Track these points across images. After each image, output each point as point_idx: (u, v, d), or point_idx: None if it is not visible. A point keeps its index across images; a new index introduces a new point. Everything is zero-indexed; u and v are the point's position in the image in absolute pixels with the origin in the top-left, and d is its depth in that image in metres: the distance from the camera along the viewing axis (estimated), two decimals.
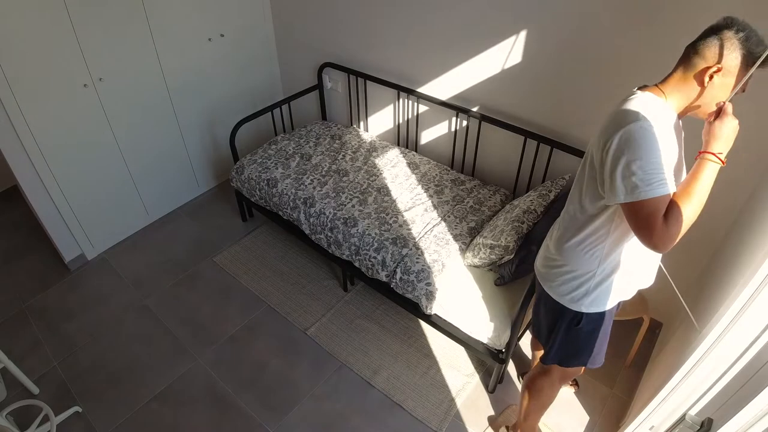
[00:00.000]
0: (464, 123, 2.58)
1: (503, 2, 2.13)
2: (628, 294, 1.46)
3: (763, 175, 1.71)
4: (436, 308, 2.14)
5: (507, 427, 2.03)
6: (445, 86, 2.58)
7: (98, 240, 2.91)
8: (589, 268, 1.38)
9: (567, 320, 1.49)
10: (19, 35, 2.18)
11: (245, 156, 2.86)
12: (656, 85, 1.24)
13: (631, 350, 2.21)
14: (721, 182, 1.84)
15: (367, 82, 2.91)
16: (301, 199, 2.54)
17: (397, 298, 2.29)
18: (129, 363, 2.36)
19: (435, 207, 2.45)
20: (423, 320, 2.37)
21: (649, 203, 1.12)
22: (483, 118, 2.47)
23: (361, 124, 3.15)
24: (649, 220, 1.12)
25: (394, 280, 2.20)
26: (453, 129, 2.67)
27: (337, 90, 3.17)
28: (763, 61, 1.10)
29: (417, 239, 2.26)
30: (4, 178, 3.20)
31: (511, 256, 2.02)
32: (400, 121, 2.89)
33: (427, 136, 2.86)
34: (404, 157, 2.82)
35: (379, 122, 3.07)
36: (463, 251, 2.23)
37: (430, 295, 2.10)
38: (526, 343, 2.36)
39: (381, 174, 2.68)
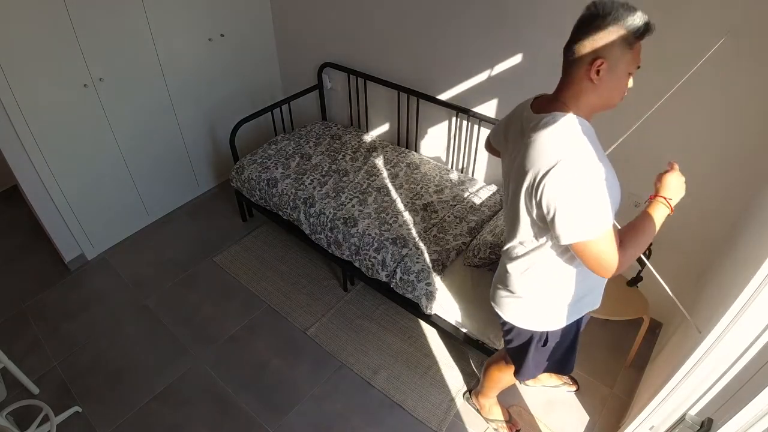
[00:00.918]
0: (464, 123, 2.58)
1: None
2: (591, 303, 1.46)
3: (763, 175, 1.71)
4: (436, 308, 2.14)
5: (470, 391, 2.14)
6: (445, 86, 2.58)
7: (98, 240, 2.91)
8: (541, 293, 1.38)
9: (533, 342, 1.50)
10: (19, 35, 2.18)
11: (245, 156, 2.86)
12: (556, 98, 1.18)
13: (631, 350, 2.21)
14: (721, 182, 1.85)
15: (367, 82, 2.91)
16: (301, 199, 2.54)
17: (397, 298, 2.29)
18: (129, 363, 2.36)
19: (435, 207, 2.45)
20: (423, 320, 2.37)
21: (593, 243, 1.12)
22: (483, 118, 2.47)
23: (361, 124, 3.15)
24: (594, 257, 1.13)
25: (394, 280, 2.20)
26: (453, 129, 2.67)
27: (337, 90, 3.17)
28: (645, 30, 1.07)
29: (417, 239, 2.25)
30: (4, 178, 3.20)
31: None
32: (400, 121, 2.89)
33: (427, 136, 2.86)
34: (404, 157, 2.82)
35: (379, 122, 3.07)
36: (463, 251, 2.23)
37: (430, 295, 2.10)
38: None
39: (381, 174, 2.68)
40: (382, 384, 2.23)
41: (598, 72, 1.10)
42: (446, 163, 2.83)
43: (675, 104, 1.63)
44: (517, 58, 2.22)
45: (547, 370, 1.66)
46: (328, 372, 2.30)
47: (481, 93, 2.46)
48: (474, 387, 2.15)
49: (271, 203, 2.69)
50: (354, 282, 2.69)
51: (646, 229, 1.19)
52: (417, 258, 2.17)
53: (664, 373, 1.64)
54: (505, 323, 1.53)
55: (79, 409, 2.15)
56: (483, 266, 2.16)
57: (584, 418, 2.10)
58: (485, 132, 2.53)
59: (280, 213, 2.68)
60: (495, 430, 2.05)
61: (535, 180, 1.12)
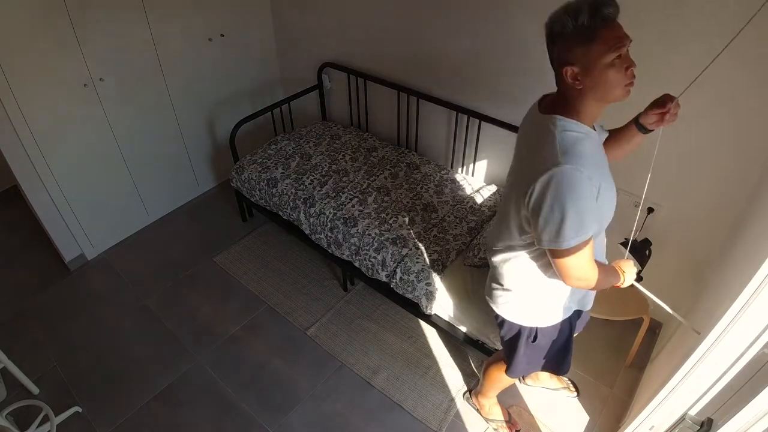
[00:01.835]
0: (464, 123, 2.58)
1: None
2: (581, 305, 1.48)
3: (763, 176, 1.71)
4: (436, 308, 2.14)
5: (469, 391, 2.14)
6: (445, 86, 2.58)
7: (98, 240, 2.91)
8: (530, 290, 1.40)
9: (523, 337, 1.53)
10: (19, 35, 2.18)
11: (245, 156, 2.86)
12: (559, 101, 1.17)
13: (631, 350, 2.21)
14: (721, 182, 1.85)
15: (367, 82, 2.91)
16: (301, 199, 2.54)
17: (397, 298, 2.29)
18: (129, 363, 2.36)
19: (435, 207, 2.45)
20: (423, 320, 2.37)
21: (566, 252, 1.15)
22: (483, 118, 2.47)
23: (361, 124, 3.15)
24: (564, 266, 1.19)
25: (394, 280, 2.20)
26: (453, 129, 2.67)
27: (337, 90, 3.17)
28: (592, 17, 1.01)
29: (417, 239, 2.25)
30: (4, 178, 3.19)
31: None
32: (400, 121, 2.89)
33: (427, 136, 2.86)
34: (404, 157, 2.82)
35: (379, 122, 3.07)
36: (463, 251, 2.23)
37: (430, 295, 2.10)
38: None
39: (381, 174, 2.68)
40: (382, 384, 2.23)
41: (576, 78, 1.09)
42: (446, 163, 2.83)
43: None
44: (517, 58, 2.21)
45: (543, 369, 1.67)
46: (328, 372, 2.30)
47: (482, 92, 2.45)
48: (474, 387, 2.15)
49: (271, 203, 2.69)
50: (354, 282, 2.69)
51: (601, 280, 1.27)
52: (417, 258, 2.17)
53: (664, 373, 1.64)
54: (497, 316, 1.57)
55: (79, 409, 2.15)
56: (483, 266, 2.15)
57: (584, 418, 2.10)
58: (485, 132, 2.53)
59: (280, 213, 2.68)
60: (495, 430, 2.05)
61: (529, 182, 1.13)
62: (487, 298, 1.57)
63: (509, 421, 2.04)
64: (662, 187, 1.92)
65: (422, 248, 2.21)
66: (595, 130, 1.20)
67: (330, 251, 2.48)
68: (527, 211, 1.18)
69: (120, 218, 2.97)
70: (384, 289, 2.35)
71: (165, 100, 2.87)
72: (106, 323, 2.55)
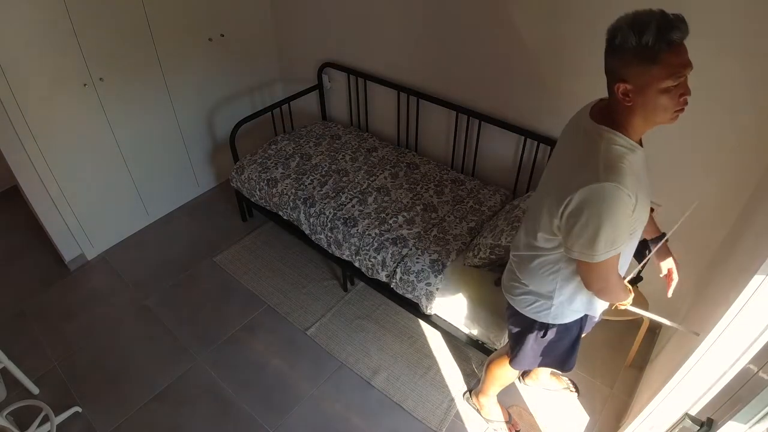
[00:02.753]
0: (464, 123, 2.58)
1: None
2: (592, 311, 1.49)
3: (763, 177, 1.71)
4: (436, 308, 2.14)
5: (469, 391, 2.14)
6: (446, 86, 2.58)
7: (98, 240, 2.91)
8: (548, 289, 1.41)
9: (534, 330, 1.53)
10: (19, 35, 2.18)
11: (245, 156, 2.86)
12: (608, 113, 1.15)
13: (631, 350, 2.21)
14: (721, 183, 1.85)
15: (367, 82, 2.91)
16: (301, 199, 2.54)
17: (397, 298, 2.29)
18: (129, 363, 2.36)
19: (435, 207, 2.45)
20: (423, 320, 2.37)
21: (593, 266, 1.18)
22: (483, 118, 2.47)
23: (361, 124, 3.15)
24: (589, 277, 1.24)
25: (394, 280, 2.20)
26: (453, 129, 2.67)
27: (337, 90, 3.17)
28: (659, 40, 0.96)
29: (417, 239, 2.25)
30: (4, 178, 3.19)
31: None
32: (400, 121, 2.89)
33: (427, 136, 2.86)
34: (404, 157, 2.82)
35: (379, 122, 3.07)
36: (463, 251, 2.23)
37: (430, 295, 2.10)
38: None
39: (381, 174, 2.68)
40: (382, 384, 2.23)
41: (627, 95, 1.06)
42: (446, 163, 2.83)
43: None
44: (516, 58, 2.21)
45: (548, 365, 1.67)
46: (328, 372, 2.30)
47: (482, 92, 2.45)
48: (474, 387, 2.15)
49: (271, 203, 2.69)
50: (354, 282, 2.69)
51: (621, 287, 1.35)
52: (417, 258, 2.17)
53: (664, 373, 1.64)
54: (509, 307, 1.57)
55: (79, 409, 2.15)
56: (483, 266, 2.16)
57: (584, 418, 2.10)
58: (486, 131, 2.53)
59: (280, 213, 2.68)
60: (495, 430, 2.05)
61: (567, 192, 1.13)
62: (504, 292, 1.57)
63: (509, 422, 2.04)
64: (662, 187, 1.92)
65: (422, 248, 2.21)
66: (641, 145, 1.18)
67: (330, 251, 2.48)
68: (560, 220, 1.18)
69: (120, 218, 2.97)
70: (384, 289, 2.35)
71: (165, 100, 2.87)
72: (106, 323, 2.55)
